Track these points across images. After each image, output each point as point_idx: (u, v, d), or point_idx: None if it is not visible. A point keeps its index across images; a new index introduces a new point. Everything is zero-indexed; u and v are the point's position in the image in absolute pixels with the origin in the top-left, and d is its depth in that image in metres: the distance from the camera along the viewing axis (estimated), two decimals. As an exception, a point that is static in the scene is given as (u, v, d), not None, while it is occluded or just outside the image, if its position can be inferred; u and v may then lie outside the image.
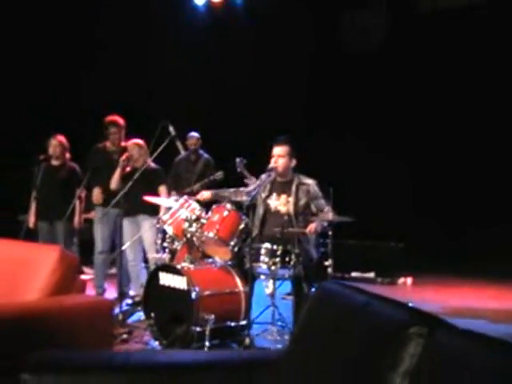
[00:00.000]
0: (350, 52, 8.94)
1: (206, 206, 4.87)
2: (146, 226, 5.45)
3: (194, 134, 6.77)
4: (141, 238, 5.45)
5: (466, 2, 8.15)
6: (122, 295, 5.39)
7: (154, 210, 5.43)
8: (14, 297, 2.82)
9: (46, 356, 1.85)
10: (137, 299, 5.27)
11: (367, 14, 8.93)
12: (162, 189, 5.58)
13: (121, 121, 5.84)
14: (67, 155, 6.01)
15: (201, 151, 6.87)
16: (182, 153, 6.18)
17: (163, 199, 5.35)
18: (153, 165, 5.60)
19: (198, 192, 5.19)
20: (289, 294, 5.19)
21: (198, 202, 4.91)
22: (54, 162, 5.94)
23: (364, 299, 1.68)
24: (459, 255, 7.35)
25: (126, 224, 5.51)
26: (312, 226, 4.51)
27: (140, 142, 5.54)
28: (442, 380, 1.23)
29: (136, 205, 5.31)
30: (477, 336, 1.31)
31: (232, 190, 4.86)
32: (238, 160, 4.85)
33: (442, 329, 1.39)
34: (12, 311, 2.53)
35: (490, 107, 8.02)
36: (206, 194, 4.92)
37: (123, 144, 5.76)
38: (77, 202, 5.81)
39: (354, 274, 7.22)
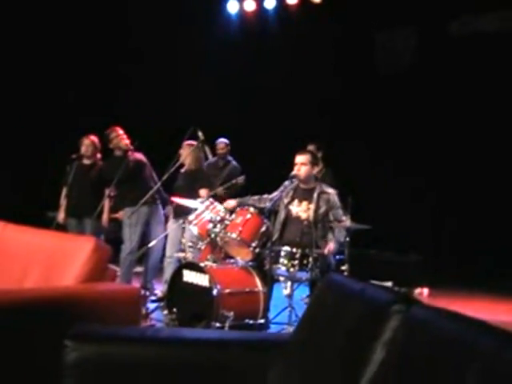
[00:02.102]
0: (380, 72, 9.11)
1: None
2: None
3: (223, 140, 6.99)
4: (180, 238, 5.55)
5: (496, 25, 8.26)
6: (147, 292, 5.60)
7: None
8: (51, 282, 3.05)
9: (86, 327, 2.07)
10: (161, 296, 5.47)
11: (398, 36, 9.09)
12: (203, 192, 5.62)
13: (117, 128, 5.99)
14: (98, 155, 6.23)
15: (229, 157, 7.06)
16: (210, 158, 6.39)
17: (189, 201, 5.53)
18: (203, 168, 5.78)
19: (222, 197, 5.39)
20: (307, 297, 5.35)
21: (223, 201, 5.11)
22: (86, 161, 6.16)
23: (361, 286, 1.92)
24: (476, 269, 7.41)
25: (172, 224, 5.71)
26: (330, 246, 4.70)
27: (193, 142, 5.68)
28: (413, 347, 1.48)
29: (180, 207, 5.45)
30: (448, 313, 1.54)
31: (256, 197, 5.06)
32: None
33: (419, 307, 1.65)
34: (51, 294, 2.76)
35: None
36: (231, 203, 5.06)
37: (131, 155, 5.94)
38: (106, 201, 6.04)
39: (372, 282, 7.32)
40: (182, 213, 5.53)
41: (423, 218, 8.34)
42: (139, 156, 6.02)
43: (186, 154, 5.68)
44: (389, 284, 7.32)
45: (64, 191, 6.17)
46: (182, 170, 5.71)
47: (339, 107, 8.82)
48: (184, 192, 5.47)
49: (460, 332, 1.40)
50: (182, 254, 5.11)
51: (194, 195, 5.47)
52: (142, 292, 5.16)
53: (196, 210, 5.29)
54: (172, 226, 5.76)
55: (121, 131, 5.99)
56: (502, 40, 8.03)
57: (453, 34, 8.52)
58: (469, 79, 8.22)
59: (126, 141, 5.92)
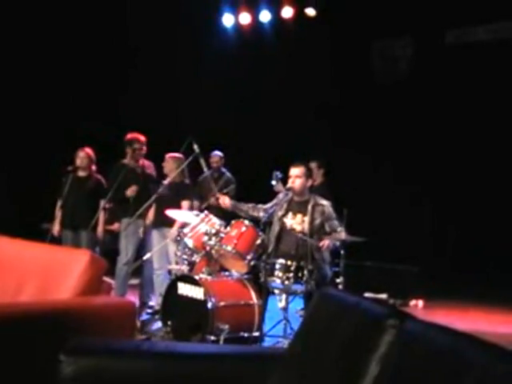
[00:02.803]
0: (378, 81, 9.18)
1: (225, 219, 5.09)
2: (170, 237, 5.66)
3: (217, 153, 7.07)
4: (166, 249, 5.67)
5: (490, 36, 8.36)
6: (143, 305, 5.60)
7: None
8: (47, 295, 3.04)
9: (81, 341, 2.07)
10: (156, 308, 5.46)
11: (395, 45, 9.18)
12: (185, 203, 5.77)
13: (143, 138, 6.11)
14: (93, 167, 6.27)
15: (223, 169, 7.14)
16: (205, 170, 6.43)
17: (184, 213, 5.56)
18: (186, 180, 5.84)
19: (215, 207, 5.42)
20: (302, 309, 5.35)
21: (217, 212, 5.14)
22: (81, 173, 6.19)
23: (355, 300, 1.94)
24: (471, 280, 7.44)
25: (155, 235, 5.77)
26: (325, 241, 4.70)
27: (177, 155, 5.78)
28: (407, 361, 1.50)
29: (162, 217, 5.56)
30: (440, 328, 1.56)
31: (250, 204, 5.08)
32: (275, 174, 5.02)
33: (412, 321, 1.67)
34: (46, 307, 2.76)
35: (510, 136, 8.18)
36: (227, 201, 5.09)
37: (141, 162, 6.03)
38: (101, 213, 6.06)
39: (366, 295, 7.32)
40: (163, 223, 5.59)
41: (419, 229, 8.37)
42: (148, 167, 6.09)
43: (170, 166, 5.75)
44: (383, 296, 7.34)
45: (59, 203, 6.18)
46: (165, 182, 5.77)
47: (336, 118, 8.88)
48: (166, 203, 5.51)
49: (453, 346, 1.42)
50: (176, 267, 5.11)
51: (176, 207, 5.51)
52: (138, 305, 5.18)
53: (175, 220, 5.35)
54: (155, 235, 5.79)
55: (142, 139, 6.07)
56: (496, 50, 8.13)
57: (448, 43, 8.62)
58: (464, 88, 8.32)
59: (142, 152, 6.04)
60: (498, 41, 8.23)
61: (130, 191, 5.87)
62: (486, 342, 1.41)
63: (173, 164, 5.76)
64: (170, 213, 5.40)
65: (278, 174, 4.97)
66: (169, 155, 5.88)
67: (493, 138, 8.22)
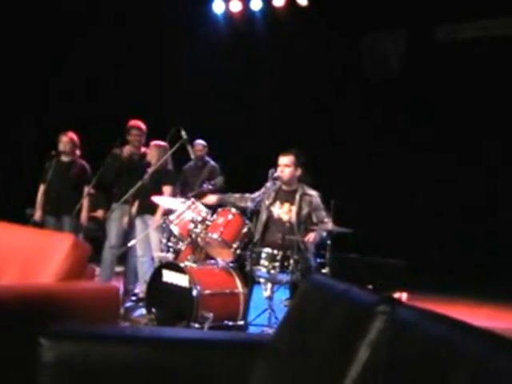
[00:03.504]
0: (368, 75, 9.16)
1: (212, 208, 5.04)
2: (153, 225, 5.61)
3: (200, 142, 7.00)
4: (149, 236, 5.62)
5: (481, 33, 8.38)
6: (127, 292, 5.55)
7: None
8: (29, 279, 2.98)
9: (61, 325, 2.01)
10: (141, 296, 5.41)
11: (386, 41, 9.16)
12: (166, 189, 5.67)
13: (143, 126, 6.03)
14: (77, 152, 6.15)
15: (207, 158, 7.08)
16: (192, 157, 6.38)
17: (169, 200, 5.49)
18: (169, 166, 5.78)
19: (202, 195, 5.36)
20: (287, 299, 5.33)
21: (204, 204, 5.08)
22: (64, 159, 6.07)
23: (344, 287, 1.90)
24: (457, 274, 7.47)
25: (138, 222, 5.70)
26: (311, 236, 4.68)
27: (161, 143, 5.71)
28: (398, 348, 1.47)
29: (144, 204, 5.50)
30: (433, 314, 1.54)
31: (237, 195, 5.03)
32: (270, 171, 4.94)
33: (405, 308, 1.64)
34: (27, 291, 2.69)
35: (501, 131, 8.22)
36: (212, 199, 5.07)
37: (143, 150, 5.96)
38: (85, 199, 5.97)
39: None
40: (145, 210, 5.56)
41: (405, 222, 8.39)
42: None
43: (153, 154, 5.69)
44: (369, 288, 7.35)
45: (42, 188, 6.07)
46: (150, 170, 5.71)
47: (326, 109, 8.85)
48: (148, 191, 5.44)
49: (445, 333, 1.40)
50: (161, 254, 5.06)
51: (157, 194, 5.46)
52: (122, 292, 5.12)
53: (159, 206, 5.33)
54: (138, 223, 5.73)
55: (143, 127, 6.01)
56: (486, 47, 8.15)
57: (439, 40, 8.62)
58: (455, 85, 8.33)
59: (142, 138, 6.00)
60: (488, 38, 8.25)
61: (98, 214, 6.06)
62: (480, 329, 1.38)
63: (155, 152, 5.68)
64: (157, 199, 5.33)
65: (273, 171, 4.92)
66: (153, 143, 5.81)
67: (483, 133, 8.25)
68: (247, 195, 5.06)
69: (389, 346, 1.47)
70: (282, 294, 5.04)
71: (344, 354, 1.58)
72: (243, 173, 7.31)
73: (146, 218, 5.70)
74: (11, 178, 8.19)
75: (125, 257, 5.93)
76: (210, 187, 5.25)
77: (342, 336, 1.64)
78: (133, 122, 6.04)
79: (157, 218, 5.42)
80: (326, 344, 1.68)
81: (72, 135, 6.09)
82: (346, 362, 1.56)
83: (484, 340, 1.33)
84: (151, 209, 5.55)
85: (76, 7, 8.35)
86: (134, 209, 5.80)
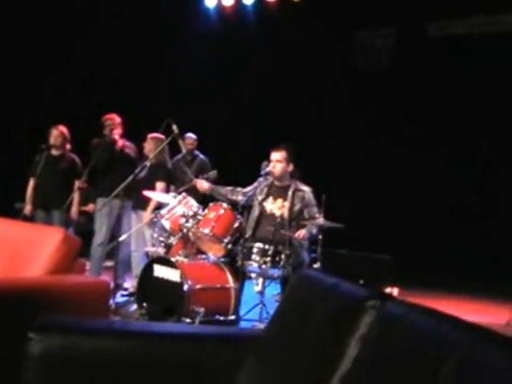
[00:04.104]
0: (359, 71, 9.17)
1: (203, 203, 5.03)
2: (145, 219, 5.59)
3: (191, 135, 6.97)
4: (142, 231, 5.60)
5: (473, 29, 8.40)
6: (117, 286, 5.52)
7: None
8: (18, 273, 2.96)
9: (51, 319, 2.00)
10: (132, 290, 5.39)
11: (378, 36, 9.17)
12: (159, 185, 5.69)
13: (117, 118, 5.95)
14: (68, 146, 6.11)
15: (196, 152, 7.06)
16: (184, 151, 6.36)
17: (160, 195, 5.48)
18: (167, 161, 5.79)
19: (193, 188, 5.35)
20: (279, 294, 5.33)
21: (195, 195, 5.07)
22: (54, 152, 6.03)
23: (334, 281, 1.90)
24: (445, 270, 7.52)
25: (133, 217, 5.69)
26: (301, 232, 4.68)
27: (158, 135, 5.66)
28: (388, 343, 1.47)
29: (138, 198, 5.48)
30: (423, 308, 1.54)
31: (229, 188, 5.02)
32: (263, 164, 4.95)
33: (394, 303, 1.64)
34: (16, 284, 2.68)
35: (493, 128, 8.25)
36: (204, 185, 5.03)
37: (121, 142, 5.88)
38: (75, 193, 5.93)
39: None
40: (140, 205, 5.56)
41: (395, 218, 8.42)
42: (128, 148, 5.94)
43: (150, 147, 5.66)
44: (360, 283, 7.37)
45: (31, 182, 6.03)
46: (148, 164, 5.69)
47: (317, 103, 8.84)
48: (142, 185, 5.43)
49: (435, 327, 1.40)
50: (152, 249, 5.04)
51: (151, 189, 5.44)
52: (112, 286, 5.10)
53: (151, 200, 5.31)
54: (133, 218, 5.73)
55: (117, 119, 5.91)
56: (476, 43, 8.18)
57: (430, 35, 8.63)
58: (447, 80, 8.35)
59: (116, 130, 5.85)
60: (479, 34, 8.28)
61: (89, 207, 6.14)
62: (470, 324, 1.38)
63: (153, 144, 5.66)
64: (147, 194, 5.32)
65: (267, 164, 4.91)
66: (150, 135, 5.77)
67: (474, 130, 8.29)
68: (239, 189, 5.05)
69: (379, 341, 1.47)
70: (274, 289, 5.05)
71: (334, 349, 1.58)
72: (234, 167, 7.30)
73: (141, 212, 5.67)
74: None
75: (115, 251, 5.90)
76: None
77: (332, 330, 1.64)
78: (106, 116, 5.95)
79: (147, 214, 5.40)
80: (315, 338, 1.68)
81: (62, 129, 6.05)
82: (335, 357, 1.56)
83: (472, 333, 1.33)
84: (145, 203, 5.52)
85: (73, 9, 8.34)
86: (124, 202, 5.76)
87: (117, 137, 5.82)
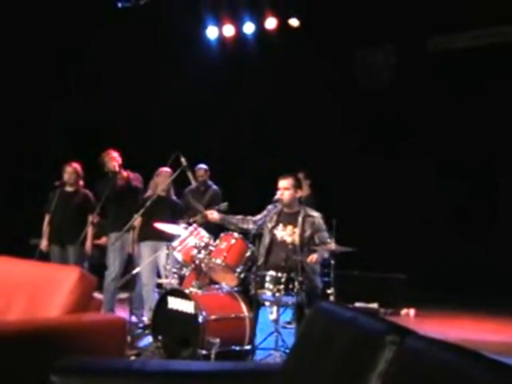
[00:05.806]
0: (361, 89, 9.25)
1: (214, 233, 5.08)
2: (162, 251, 5.62)
3: (202, 166, 7.05)
4: (156, 262, 5.65)
5: (470, 44, 8.48)
6: (137, 319, 5.55)
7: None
8: (36, 313, 3.02)
9: (71, 361, 2.05)
10: (147, 323, 5.41)
11: (378, 53, 9.28)
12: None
13: (114, 152, 6.03)
14: (81, 182, 6.25)
15: (209, 182, 7.13)
16: (193, 183, 6.44)
17: (172, 226, 5.53)
18: (173, 196, 5.90)
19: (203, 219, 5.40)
20: (289, 323, 5.35)
21: (206, 225, 5.13)
22: (69, 189, 6.17)
23: (351, 314, 1.90)
24: (460, 288, 7.47)
25: (144, 248, 5.74)
26: (313, 256, 4.70)
27: (168, 170, 5.79)
28: (408, 379, 1.46)
29: (150, 230, 5.54)
30: (444, 344, 1.53)
31: (239, 217, 5.07)
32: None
33: (413, 337, 1.63)
34: (36, 325, 2.73)
35: (493, 141, 8.27)
36: (215, 215, 5.08)
37: (125, 174, 5.97)
38: (89, 228, 6.02)
39: (357, 305, 7.32)
40: (151, 236, 5.64)
41: (408, 237, 8.40)
42: (134, 179, 6.04)
43: (161, 180, 5.82)
44: (374, 305, 7.35)
45: (47, 218, 6.14)
46: (149, 195, 5.82)
47: (320, 128, 8.90)
48: (154, 217, 5.49)
49: (455, 363, 1.39)
50: (165, 281, 5.08)
51: (165, 221, 5.50)
52: (130, 319, 5.13)
53: (163, 233, 5.35)
54: (144, 250, 5.78)
55: (114, 153, 6.01)
56: (475, 56, 8.25)
57: (430, 51, 8.71)
58: (446, 94, 8.41)
59: (114, 162, 5.93)
60: (474, 48, 8.35)
61: (102, 241, 6.30)
62: (492, 361, 1.37)
63: (164, 179, 5.79)
64: (159, 226, 5.37)
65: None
66: (163, 170, 5.89)
67: (476, 143, 8.31)
68: (249, 217, 5.10)
69: (399, 377, 1.47)
70: (287, 316, 5.06)
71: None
72: (242, 196, 7.37)
73: (153, 244, 5.73)
74: (14, 209, 8.25)
75: (130, 284, 5.94)
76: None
77: (351, 366, 1.64)
78: (102, 154, 6.04)
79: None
80: (334, 373, 1.68)
81: (76, 166, 6.19)
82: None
83: (493, 370, 1.32)
84: (157, 235, 5.57)
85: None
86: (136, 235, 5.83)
87: (117, 169, 5.91)
